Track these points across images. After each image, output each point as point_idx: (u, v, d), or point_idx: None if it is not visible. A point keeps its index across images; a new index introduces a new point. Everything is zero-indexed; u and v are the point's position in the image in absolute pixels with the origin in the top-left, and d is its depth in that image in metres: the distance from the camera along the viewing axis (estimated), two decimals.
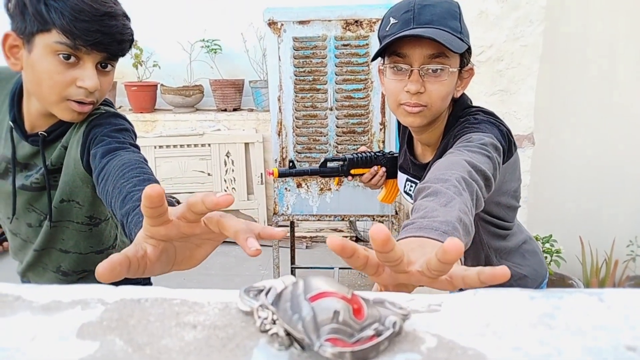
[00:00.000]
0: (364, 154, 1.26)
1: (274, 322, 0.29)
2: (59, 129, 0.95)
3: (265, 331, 0.30)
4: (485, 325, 0.30)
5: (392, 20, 0.94)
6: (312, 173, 1.27)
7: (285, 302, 0.29)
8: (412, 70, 0.93)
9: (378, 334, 0.28)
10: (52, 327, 0.32)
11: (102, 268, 0.43)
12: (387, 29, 0.95)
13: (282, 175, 1.25)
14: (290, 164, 1.29)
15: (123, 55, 0.92)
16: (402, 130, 1.20)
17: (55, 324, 0.33)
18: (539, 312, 0.31)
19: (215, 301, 0.35)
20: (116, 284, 1.18)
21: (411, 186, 1.16)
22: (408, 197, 1.18)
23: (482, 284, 0.38)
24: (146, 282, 1.24)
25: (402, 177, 1.20)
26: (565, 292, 0.33)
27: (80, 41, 0.82)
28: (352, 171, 1.25)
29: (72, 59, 0.84)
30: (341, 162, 1.25)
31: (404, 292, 0.49)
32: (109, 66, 0.92)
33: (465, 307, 0.33)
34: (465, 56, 0.97)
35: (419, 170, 1.11)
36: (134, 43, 0.94)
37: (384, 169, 1.26)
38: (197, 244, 0.54)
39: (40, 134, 0.95)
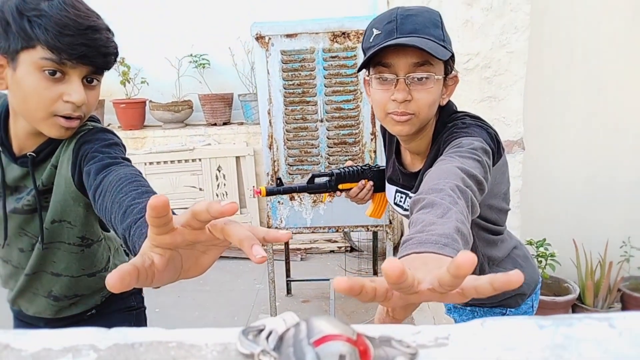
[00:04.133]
0: (351, 168, 1.25)
1: None
2: (48, 148, 0.94)
3: None
4: None
5: (376, 32, 0.94)
6: (300, 190, 1.25)
7: (287, 347, 0.28)
8: (398, 80, 0.93)
9: None
10: None
11: (112, 278, 0.42)
12: (370, 40, 0.95)
13: (269, 193, 1.24)
14: (278, 181, 1.28)
15: (108, 68, 0.92)
16: (389, 141, 1.20)
17: None
18: (550, 342, 0.30)
19: (214, 342, 0.34)
20: (108, 302, 1.12)
21: (401, 197, 1.15)
22: (398, 209, 1.17)
23: (495, 291, 0.38)
24: (138, 299, 1.21)
25: (391, 188, 1.19)
26: (575, 319, 0.32)
27: (65, 55, 0.82)
28: (340, 186, 1.24)
29: (58, 74, 0.84)
30: (328, 178, 1.24)
31: (410, 309, 0.49)
32: (95, 80, 0.91)
33: (473, 339, 0.32)
34: (449, 64, 0.97)
35: (408, 180, 1.10)
36: (118, 57, 0.94)
37: (371, 182, 1.24)
38: (203, 250, 0.53)
39: (29, 155, 0.93)
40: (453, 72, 1.00)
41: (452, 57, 0.96)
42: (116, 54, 0.92)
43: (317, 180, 1.24)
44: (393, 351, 0.29)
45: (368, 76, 1.00)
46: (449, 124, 0.99)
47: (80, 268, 1.05)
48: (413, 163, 1.11)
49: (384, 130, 1.24)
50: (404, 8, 0.93)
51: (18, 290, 1.07)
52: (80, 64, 0.85)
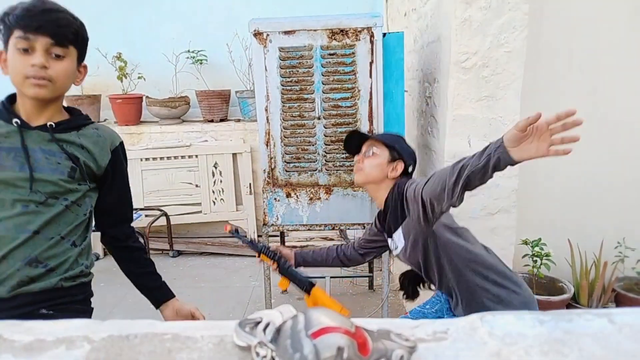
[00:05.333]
0: (267, 248, 1.78)
1: None
2: (64, 125, 1.19)
3: None
4: (495, 355, 0.29)
5: None
6: (251, 244, 1.80)
7: (285, 339, 0.27)
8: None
9: None
10: None
11: None
12: None
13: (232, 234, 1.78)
14: (236, 230, 1.79)
15: (67, 41, 1.12)
16: (382, 218, 1.67)
17: None
18: (550, 337, 0.30)
19: (209, 335, 0.33)
20: (64, 301, 1.24)
21: (391, 242, 1.61)
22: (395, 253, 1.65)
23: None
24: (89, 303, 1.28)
25: (394, 238, 1.60)
26: (574, 314, 0.32)
27: (29, 29, 1.07)
28: (262, 256, 1.76)
29: (29, 50, 1.09)
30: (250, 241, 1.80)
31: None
32: (61, 55, 1.12)
33: (472, 333, 0.31)
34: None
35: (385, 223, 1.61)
36: (86, 39, 1.17)
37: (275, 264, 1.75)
38: None
39: (50, 124, 1.16)
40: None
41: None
42: (77, 32, 1.14)
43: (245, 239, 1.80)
44: (392, 344, 0.28)
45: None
46: (397, 189, 1.50)
47: (63, 228, 1.18)
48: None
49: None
50: None
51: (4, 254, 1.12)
52: (39, 34, 1.07)
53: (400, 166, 1.56)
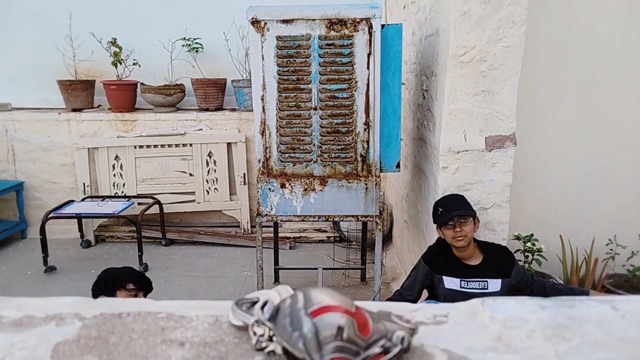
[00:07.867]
0: None
1: (270, 339, 0.27)
2: None
3: (262, 349, 0.27)
4: (496, 338, 0.28)
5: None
6: None
7: (284, 317, 0.26)
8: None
9: (385, 351, 0.26)
10: (23, 346, 0.29)
11: None
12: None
13: None
14: None
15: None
16: (434, 260, 2.05)
17: (28, 343, 0.30)
18: (552, 322, 0.29)
19: (204, 314, 0.32)
20: None
21: (467, 282, 1.98)
22: (463, 290, 1.98)
23: None
24: None
25: (453, 280, 1.98)
26: (577, 300, 0.32)
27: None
28: None
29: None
30: None
31: None
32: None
33: (473, 317, 0.31)
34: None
35: (470, 269, 1.99)
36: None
37: None
38: None
39: None
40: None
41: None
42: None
43: None
44: (392, 325, 0.27)
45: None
46: (483, 244, 2.06)
47: None
48: (469, 261, 2.01)
49: (428, 264, 2.05)
50: None
51: None
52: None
53: (478, 222, 2.05)
